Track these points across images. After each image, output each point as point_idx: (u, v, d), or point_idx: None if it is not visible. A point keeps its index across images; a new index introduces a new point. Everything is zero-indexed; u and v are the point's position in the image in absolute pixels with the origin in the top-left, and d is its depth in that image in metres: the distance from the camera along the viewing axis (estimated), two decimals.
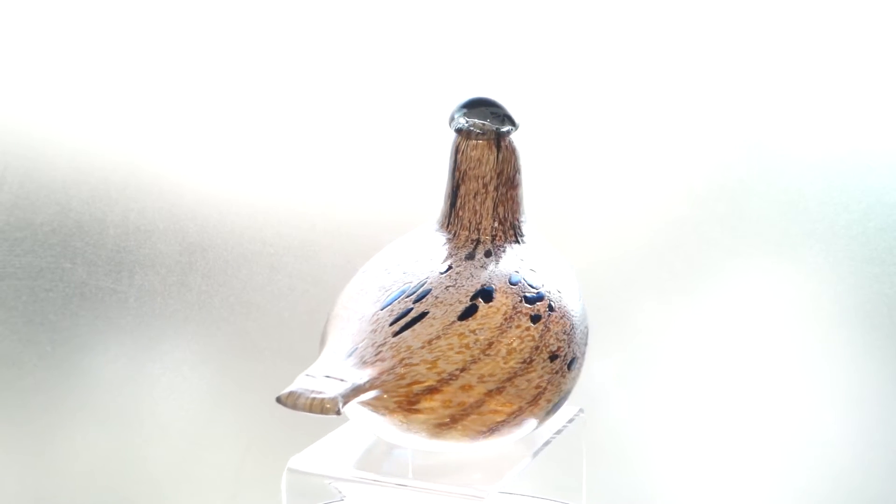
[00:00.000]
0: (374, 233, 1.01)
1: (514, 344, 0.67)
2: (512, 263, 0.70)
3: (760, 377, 0.99)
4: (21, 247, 1.02)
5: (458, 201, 0.72)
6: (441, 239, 0.71)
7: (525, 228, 0.73)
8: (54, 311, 1.02)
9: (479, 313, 0.67)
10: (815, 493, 0.98)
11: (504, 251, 0.71)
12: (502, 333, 0.67)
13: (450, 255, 0.70)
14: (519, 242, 0.72)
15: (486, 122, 0.71)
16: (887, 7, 0.96)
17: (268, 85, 1.01)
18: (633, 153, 0.99)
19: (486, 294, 0.68)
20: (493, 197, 0.71)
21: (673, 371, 1.00)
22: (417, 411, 0.66)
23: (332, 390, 0.62)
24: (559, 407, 0.72)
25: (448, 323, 0.66)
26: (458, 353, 0.66)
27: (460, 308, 0.67)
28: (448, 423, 0.67)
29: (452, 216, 0.72)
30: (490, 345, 0.67)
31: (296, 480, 0.70)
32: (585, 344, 0.72)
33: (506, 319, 0.68)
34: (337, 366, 0.64)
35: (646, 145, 0.99)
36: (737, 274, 0.99)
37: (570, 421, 0.77)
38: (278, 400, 0.61)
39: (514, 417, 0.68)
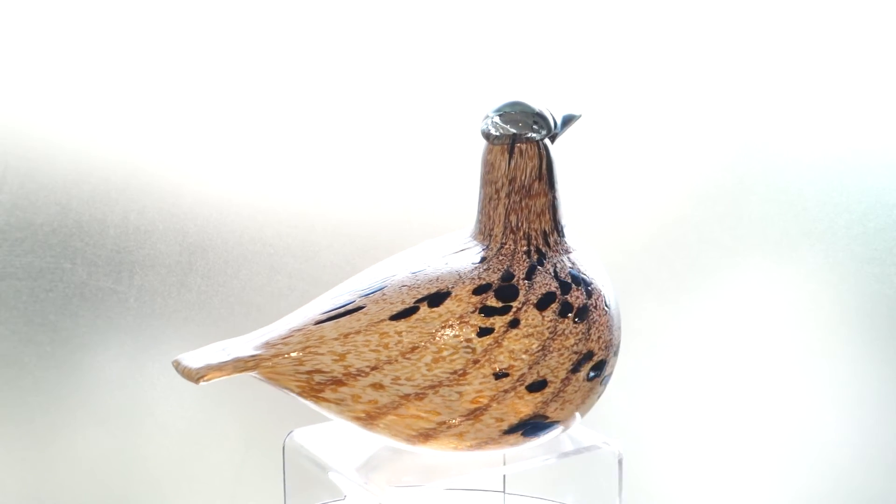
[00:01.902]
0: (374, 233, 1.01)
1: (445, 353, 0.66)
2: (498, 274, 0.68)
3: (760, 377, 0.99)
4: (21, 247, 1.02)
5: (479, 205, 0.71)
6: (460, 241, 0.71)
7: (550, 241, 0.69)
8: (54, 311, 1.02)
9: (415, 316, 0.67)
10: (815, 493, 0.98)
11: (507, 260, 0.69)
12: (434, 340, 0.66)
13: (445, 256, 0.69)
14: (530, 254, 0.69)
15: (503, 126, 0.69)
16: (887, 7, 0.96)
17: (268, 86, 1.01)
18: (634, 153, 0.99)
19: (437, 298, 0.67)
20: (504, 204, 0.69)
21: (673, 371, 1.00)
22: (326, 399, 0.67)
23: (205, 361, 0.66)
24: (547, 431, 0.69)
25: (376, 321, 0.67)
26: (372, 350, 0.66)
27: (399, 308, 0.67)
28: (366, 419, 0.68)
29: (476, 219, 0.71)
30: (414, 349, 0.66)
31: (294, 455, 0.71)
32: (582, 373, 0.69)
33: (444, 327, 0.66)
34: (242, 341, 0.67)
35: (646, 146, 0.99)
36: (737, 274, 0.99)
37: (581, 451, 0.74)
38: (173, 363, 0.67)
39: (452, 430, 0.67)
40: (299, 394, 0.68)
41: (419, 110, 1.00)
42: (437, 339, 0.66)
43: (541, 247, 0.69)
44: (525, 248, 0.69)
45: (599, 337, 0.69)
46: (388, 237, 1.00)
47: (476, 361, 0.66)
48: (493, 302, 0.67)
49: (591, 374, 0.69)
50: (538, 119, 0.70)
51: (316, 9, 1.01)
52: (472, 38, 1.00)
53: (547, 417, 0.69)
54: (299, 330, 0.67)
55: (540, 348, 0.67)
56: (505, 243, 0.69)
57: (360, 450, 0.72)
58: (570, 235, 0.71)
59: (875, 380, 0.98)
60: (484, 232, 0.70)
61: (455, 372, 0.66)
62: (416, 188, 1.01)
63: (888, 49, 0.96)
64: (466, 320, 0.67)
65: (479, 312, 0.67)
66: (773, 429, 0.99)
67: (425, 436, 0.68)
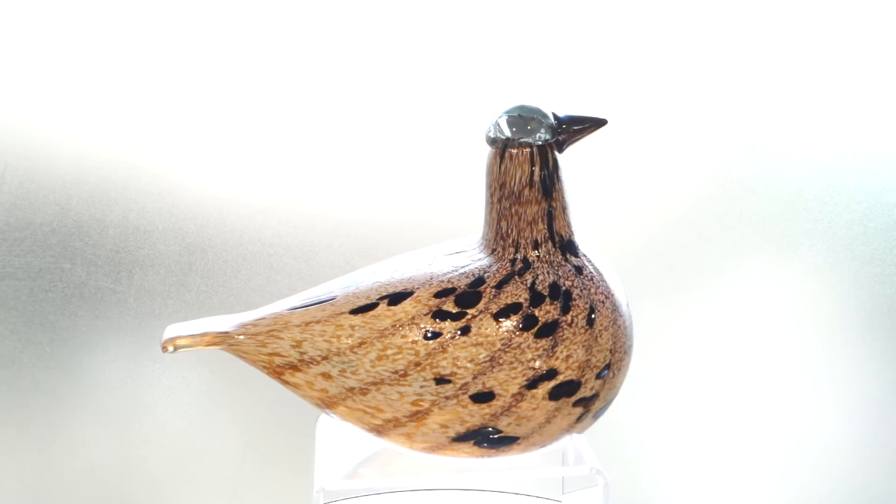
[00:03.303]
0: (374, 233, 1.00)
1: (389, 352, 0.66)
2: (469, 279, 0.67)
3: (760, 377, 0.99)
4: (21, 247, 1.02)
5: (485, 208, 0.70)
6: (464, 244, 0.70)
7: (542, 251, 0.68)
8: (54, 311, 1.02)
9: (372, 312, 0.67)
10: (815, 493, 0.98)
11: (487, 266, 0.68)
12: (383, 338, 0.66)
13: (437, 257, 0.69)
14: (515, 263, 0.68)
15: (499, 129, 0.68)
16: (887, 7, 0.96)
17: (268, 86, 1.01)
18: (634, 153, 0.99)
19: (398, 297, 0.67)
20: (497, 209, 0.68)
21: (672, 371, 1.00)
22: (287, 382, 0.69)
23: (181, 332, 0.69)
24: (508, 445, 0.68)
25: (337, 313, 0.67)
26: (325, 341, 0.67)
27: (361, 303, 0.67)
28: (322, 406, 0.69)
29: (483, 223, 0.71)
30: (362, 343, 0.67)
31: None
32: (539, 391, 0.67)
33: (394, 326, 0.66)
34: (226, 318, 0.69)
35: (646, 146, 0.99)
36: (737, 274, 0.98)
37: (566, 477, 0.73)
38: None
39: (400, 429, 0.67)
40: (266, 373, 0.69)
41: (421, 110, 1.00)
42: (385, 337, 0.66)
43: (528, 256, 0.68)
44: (512, 255, 0.68)
45: (569, 356, 0.67)
46: (388, 237, 1.00)
47: (418, 364, 0.66)
48: (449, 307, 0.66)
49: (556, 393, 0.67)
50: (534, 124, 0.68)
51: (316, 8, 1.00)
52: (482, 36, 1.00)
53: (501, 431, 0.68)
54: (272, 314, 0.69)
55: (488, 359, 0.66)
56: (496, 249, 0.68)
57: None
58: (583, 247, 0.70)
59: (875, 380, 0.98)
60: (484, 237, 0.69)
61: (396, 372, 0.66)
62: (416, 189, 1.01)
63: (888, 49, 0.96)
64: (417, 322, 0.66)
65: (432, 316, 0.66)
66: (773, 429, 0.99)
67: (378, 430, 0.68)
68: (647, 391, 0.99)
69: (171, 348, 0.69)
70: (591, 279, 0.68)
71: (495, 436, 0.68)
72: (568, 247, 0.69)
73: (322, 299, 0.68)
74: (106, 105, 1.02)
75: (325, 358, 0.67)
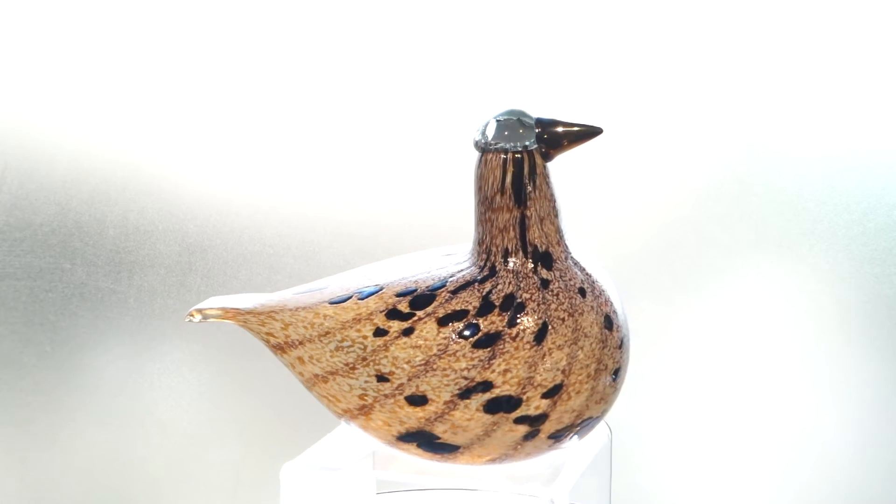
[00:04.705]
0: (374, 233, 1.00)
1: (345, 344, 0.67)
2: (432, 282, 0.67)
3: (760, 377, 0.99)
4: (21, 247, 1.02)
5: None
6: (459, 247, 0.71)
7: (510, 261, 0.67)
8: (54, 312, 1.02)
9: (343, 304, 0.68)
10: (815, 493, 0.98)
11: (457, 271, 0.67)
12: (343, 329, 0.67)
13: (430, 258, 0.70)
14: (483, 269, 0.67)
15: (482, 133, 0.68)
16: (887, 7, 0.96)
17: (268, 86, 1.01)
18: (633, 153, 0.99)
19: (367, 293, 0.68)
20: (476, 214, 0.68)
21: (672, 371, 1.00)
22: (282, 359, 0.70)
23: (212, 304, 0.71)
24: (451, 453, 0.67)
25: (319, 301, 0.69)
26: (304, 327, 0.68)
27: (340, 295, 0.68)
28: (306, 386, 0.70)
29: None
30: (327, 333, 0.68)
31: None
32: (473, 402, 0.66)
33: (354, 320, 0.67)
34: (252, 296, 0.72)
35: (645, 146, 0.99)
36: (737, 274, 0.99)
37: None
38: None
39: (356, 421, 0.68)
40: (269, 349, 0.71)
41: (421, 111, 1.00)
42: (345, 329, 0.67)
43: (496, 264, 0.67)
44: (483, 262, 0.67)
45: (507, 370, 0.65)
46: (388, 238, 1.00)
47: (364, 359, 0.67)
48: (403, 307, 0.67)
49: (492, 407, 0.66)
50: (511, 130, 0.67)
51: (317, 8, 1.01)
52: (488, 36, 1.00)
53: (438, 438, 0.67)
54: (281, 296, 0.71)
55: (423, 362, 0.66)
56: (475, 255, 0.68)
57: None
58: (577, 261, 0.68)
59: (875, 380, 0.98)
60: (473, 242, 0.69)
61: (347, 364, 0.67)
62: (416, 189, 1.01)
63: (888, 49, 0.96)
64: (372, 318, 0.67)
65: (386, 314, 0.67)
66: (773, 429, 0.99)
67: (344, 417, 0.69)
68: (646, 391, 0.99)
69: (197, 317, 0.71)
70: (557, 295, 0.66)
71: (437, 440, 0.67)
72: (542, 258, 0.67)
73: (318, 288, 0.70)
74: (106, 105, 1.02)
75: (300, 343, 0.69)
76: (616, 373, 0.68)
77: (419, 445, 0.68)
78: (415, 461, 0.70)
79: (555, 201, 0.68)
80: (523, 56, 0.99)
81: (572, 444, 0.70)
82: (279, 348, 0.70)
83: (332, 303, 0.68)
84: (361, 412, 0.68)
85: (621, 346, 0.68)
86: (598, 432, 0.74)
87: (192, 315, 0.71)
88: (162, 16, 1.01)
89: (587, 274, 0.68)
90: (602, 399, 0.68)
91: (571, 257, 0.68)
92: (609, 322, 0.68)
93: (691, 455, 1.00)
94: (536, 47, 0.99)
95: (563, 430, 0.68)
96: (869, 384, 0.98)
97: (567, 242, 0.68)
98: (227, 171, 1.02)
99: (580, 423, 0.68)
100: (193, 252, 1.02)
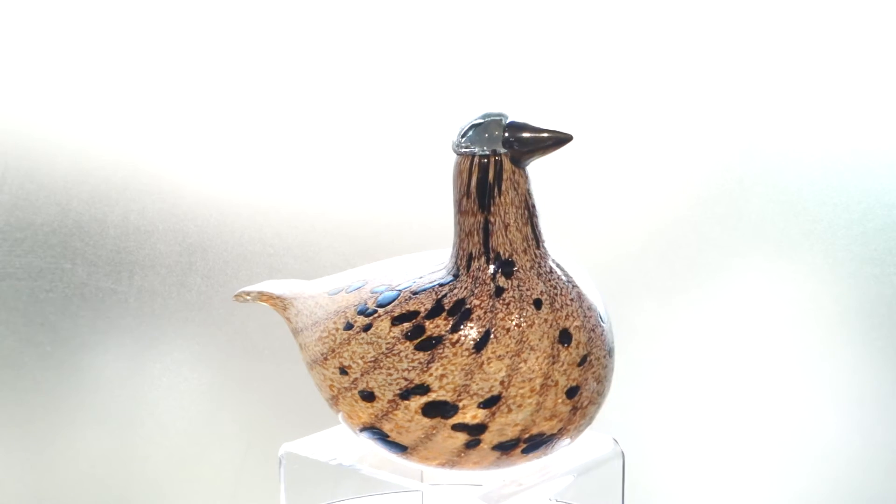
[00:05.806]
0: (374, 233, 1.01)
1: (324, 335, 0.69)
2: (400, 282, 0.68)
3: (760, 377, 0.99)
4: (21, 247, 1.02)
5: None
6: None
7: (473, 266, 0.66)
8: (54, 312, 1.02)
9: (334, 296, 0.70)
10: (815, 494, 0.98)
11: (428, 272, 0.67)
12: (326, 320, 0.69)
13: (426, 259, 0.71)
14: (449, 271, 0.67)
15: (458, 134, 0.67)
16: (887, 7, 0.96)
17: (268, 86, 1.01)
18: (633, 154, 0.99)
19: (356, 287, 0.69)
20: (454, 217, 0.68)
21: (672, 371, 1.00)
22: (298, 345, 0.73)
23: (258, 287, 0.76)
24: (401, 453, 0.68)
25: (320, 292, 0.72)
26: (306, 316, 0.71)
27: (335, 286, 0.71)
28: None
29: None
30: (315, 323, 0.70)
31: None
32: (412, 404, 0.65)
33: (335, 312, 0.69)
34: (290, 282, 0.75)
35: (645, 146, 0.99)
36: (737, 274, 0.99)
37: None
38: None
39: (334, 409, 0.70)
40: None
41: (423, 111, 1.00)
42: (328, 320, 0.69)
43: (460, 268, 0.66)
44: (453, 265, 0.67)
45: (443, 375, 0.64)
46: (388, 238, 1.00)
47: (333, 350, 0.68)
48: (371, 303, 0.68)
49: (429, 411, 0.65)
50: (477, 135, 0.66)
51: (317, 8, 1.01)
52: (482, 39, 1.00)
53: (388, 436, 0.67)
54: (311, 284, 0.74)
55: (373, 359, 0.66)
56: (451, 257, 0.67)
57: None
58: (554, 270, 0.66)
59: (875, 380, 0.98)
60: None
61: (322, 354, 0.69)
62: (416, 189, 1.01)
63: (888, 49, 0.96)
64: (346, 312, 0.68)
65: (356, 309, 0.68)
66: (773, 429, 0.99)
67: (331, 402, 0.70)
68: (646, 391, 0.99)
69: (245, 297, 0.76)
70: (508, 304, 0.65)
71: (388, 438, 0.67)
72: (502, 266, 0.66)
73: (331, 281, 0.73)
74: (106, 105, 1.02)
75: (301, 331, 0.72)
76: (573, 392, 0.66)
77: (377, 441, 0.69)
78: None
79: (526, 208, 0.66)
80: (526, 58, 0.99)
81: (541, 460, 0.68)
82: (294, 333, 0.73)
83: (329, 294, 0.71)
84: (333, 402, 0.69)
85: (583, 363, 0.66)
86: (607, 451, 0.72)
87: (243, 296, 0.76)
88: (162, 16, 1.01)
89: (557, 285, 0.66)
90: (554, 416, 0.66)
91: (550, 266, 0.67)
92: (566, 337, 0.65)
93: (691, 454, 1.00)
94: (538, 49, 0.99)
95: (508, 443, 0.66)
96: (869, 384, 0.98)
97: (548, 248, 0.67)
98: (227, 171, 1.02)
99: (528, 439, 0.66)
100: (193, 252, 1.02)
